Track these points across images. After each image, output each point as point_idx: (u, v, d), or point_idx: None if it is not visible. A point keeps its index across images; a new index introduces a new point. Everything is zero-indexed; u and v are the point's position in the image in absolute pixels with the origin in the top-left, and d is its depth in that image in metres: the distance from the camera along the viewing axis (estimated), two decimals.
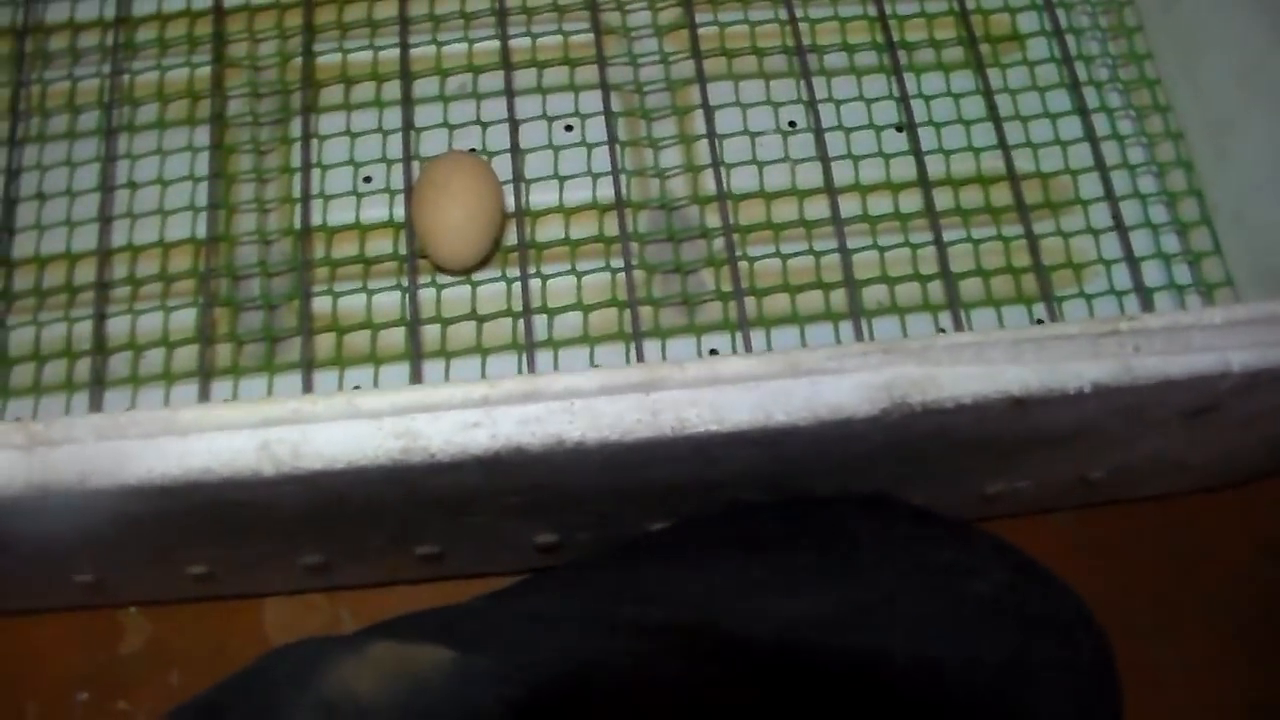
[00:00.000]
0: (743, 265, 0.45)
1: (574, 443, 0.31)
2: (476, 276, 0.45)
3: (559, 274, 0.45)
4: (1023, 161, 0.47)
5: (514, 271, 0.44)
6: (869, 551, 0.34)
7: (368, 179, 0.46)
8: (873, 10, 0.49)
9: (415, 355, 0.42)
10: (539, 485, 0.33)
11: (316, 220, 0.45)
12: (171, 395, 0.42)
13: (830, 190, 0.44)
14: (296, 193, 0.45)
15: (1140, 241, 0.46)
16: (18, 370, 0.42)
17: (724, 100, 0.48)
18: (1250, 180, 0.45)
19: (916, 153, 0.46)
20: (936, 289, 0.45)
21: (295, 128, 0.46)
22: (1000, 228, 0.46)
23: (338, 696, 0.29)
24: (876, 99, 0.48)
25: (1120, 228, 0.45)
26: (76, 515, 0.32)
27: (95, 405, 0.41)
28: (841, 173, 0.46)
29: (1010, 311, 0.45)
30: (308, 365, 0.42)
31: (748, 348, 0.42)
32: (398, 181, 0.45)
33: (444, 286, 0.44)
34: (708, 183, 0.46)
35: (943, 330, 0.44)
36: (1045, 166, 0.47)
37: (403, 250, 0.44)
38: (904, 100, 0.47)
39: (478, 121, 0.47)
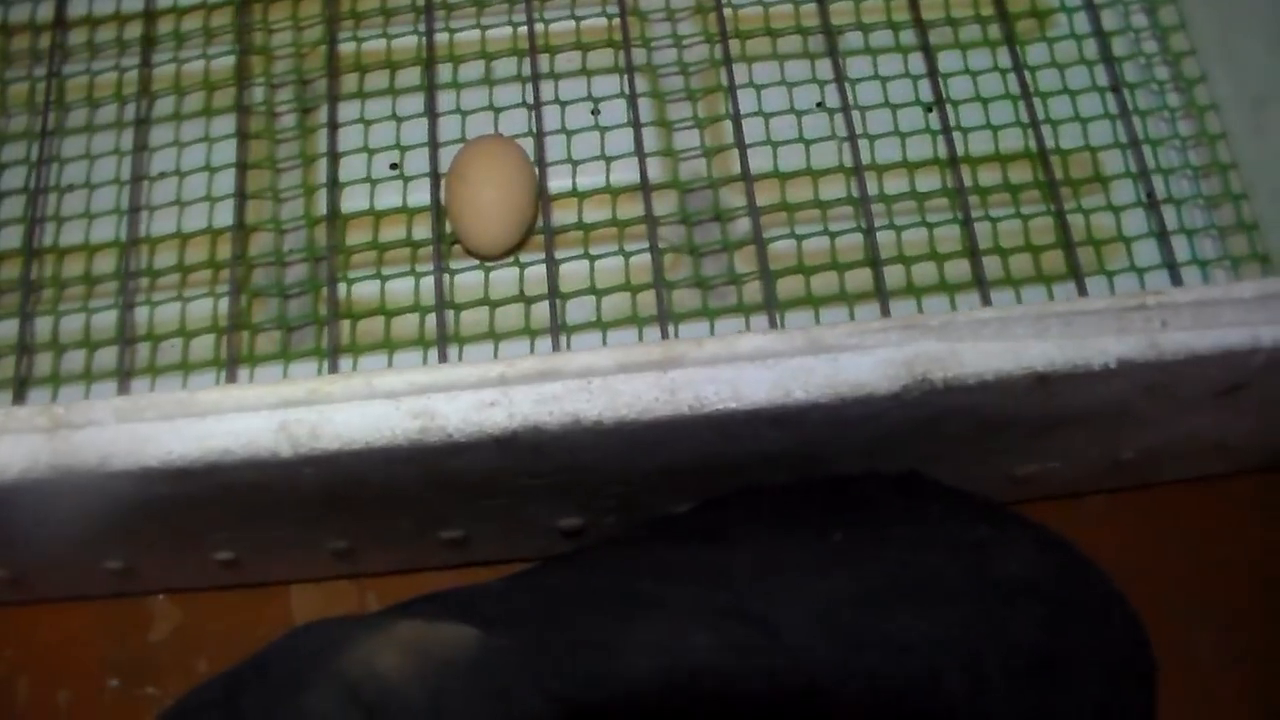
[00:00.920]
0: (778, 246, 0.44)
1: (592, 421, 0.31)
2: (509, 261, 0.44)
3: (585, 257, 0.44)
4: (1052, 139, 0.46)
5: (544, 256, 0.43)
6: (900, 529, 0.34)
7: (394, 165, 0.46)
8: None
9: (442, 341, 0.42)
10: (557, 466, 0.33)
11: (343, 208, 0.45)
12: (194, 384, 0.43)
13: (858, 171, 0.44)
14: (322, 180, 0.45)
15: (1168, 217, 0.45)
16: (39, 359, 0.43)
17: (751, 81, 0.47)
18: None
19: (945, 130, 0.45)
20: (955, 268, 0.44)
21: (320, 116, 0.47)
22: (1019, 206, 0.45)
23: (360, 676, 0.29)
24: (905, 77, 0.48)
25: (1154, 204, 0.44)
26: (100, 498, 0.32)
27: (123, 393, 0.41)
28: (871, 153, 0.46)
29: (1030, 292, 0.44)
30: (333, 352, 0.42)
31: (772, 327, 0.41)
32: (424, 167, 0.45)
33: (471, 271, 0.44)
34: (733, 164, 0.46)
35: None
36: (1075, 142, 0.47)
37: (430, 236, 0.44)
38: (933, 78, 0.46)
39: (489, 108, 0.47)
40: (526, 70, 0.47)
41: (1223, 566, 0.44)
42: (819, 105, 0.47)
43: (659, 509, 0.38)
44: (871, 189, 0.45)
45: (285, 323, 0.43)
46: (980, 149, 0.46)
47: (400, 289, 0.44)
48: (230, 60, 0.47)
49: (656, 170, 0.46)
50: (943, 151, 0.46)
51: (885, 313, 0.42)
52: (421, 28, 0.48)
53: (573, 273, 0.44)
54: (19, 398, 0.41)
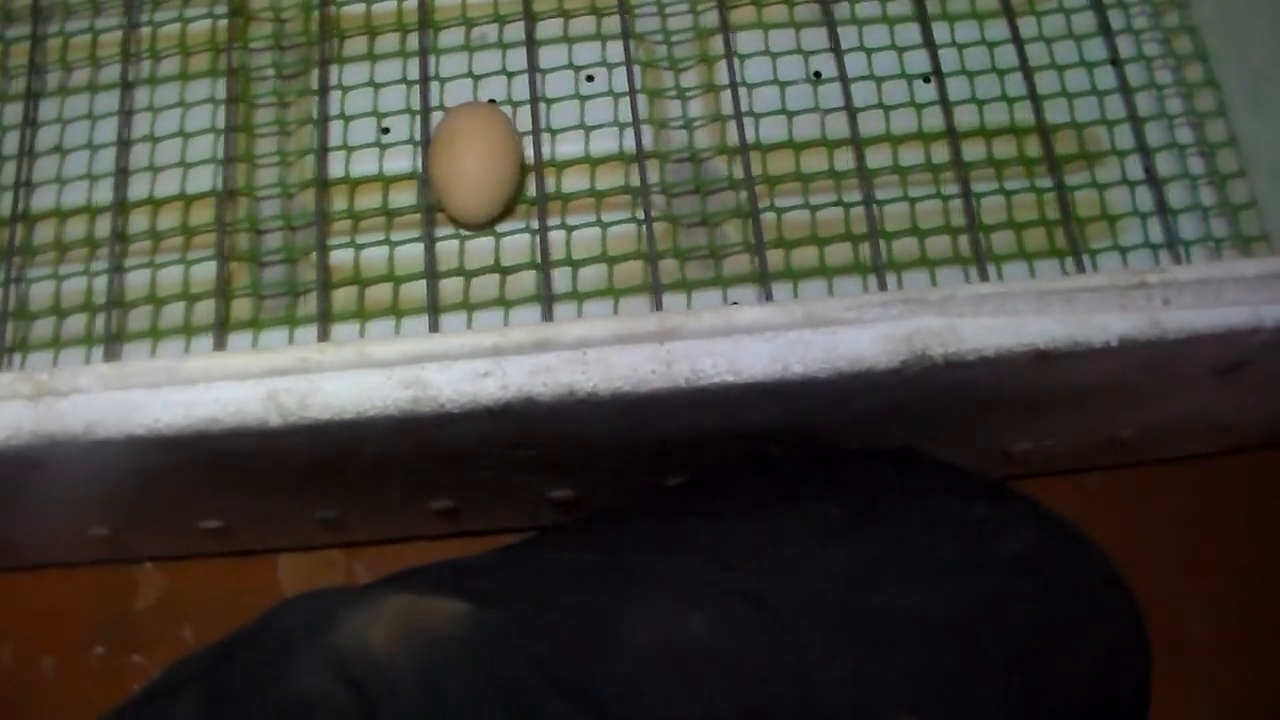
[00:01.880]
0: (769, 217, 0.44)
1: (586, 393, 0.31)
2: (495, 229, 0.44)
3: (578, 226, 0.44)
4: (1055, 113, 0.46)
5: (533, 224, 0.43)
6: (899, 506, 0.34)
7: (386, 130, 0.46)
8: None
9: (433, 308, 0.41)
10: (550, 438, 0.33)
11: (335, 173, 0.44)
12: (190, 349, 0.42)
13: (855, 142, 0.43)
14: (314, 145, 0.44)
15: (1175, 194, 0.45)
16: (37, 325, 0.42)
17: (748, 50, 0.47)
18: None
19: (944, 102, 0.45)
20: (953, 243, 0.44)
21: (313, 80, 0.46)
22: (1033, 179, 0.45)
23: (350, 649, 0.29)
24: (905, 48, 0.47)
25: (1153, 180, 0.44)
26: (86, 466, 0.32)
27: (113, 359, 0.40)
28: (868, 124, 0.45)
29: (1042, 265, 0.44)
30: (324, 318, 0.41)
31: (768, 300, 0.41)
32: (417, 133, 0.44)
33: (463, 239, 0.44)
34: (730, 134, 0.45)
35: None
36: (1077, 117, 0.46)
37: (420, 203, 0.43)
38: (931, 49, 0.46)
39: (501, 72, 0.46)
40: (521, 36, 0.46)
41: (1220, 544, 0.44)
42: (816, 76, 0.47)
43: (653, 480, 0.38)
44: (857, 160, 0.44)
45: (256, 290, 0.43)
46: (977, 122, 0.46)
47: (383, 256, 0.44)
48: (220, 23, 0.46)
49: (650, 139, 0.45)
50: (941, 124, 0.45)
51: (883, 287, 0.41)
52: None
53: (561, 242, 0.44)
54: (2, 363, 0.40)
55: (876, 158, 0.45)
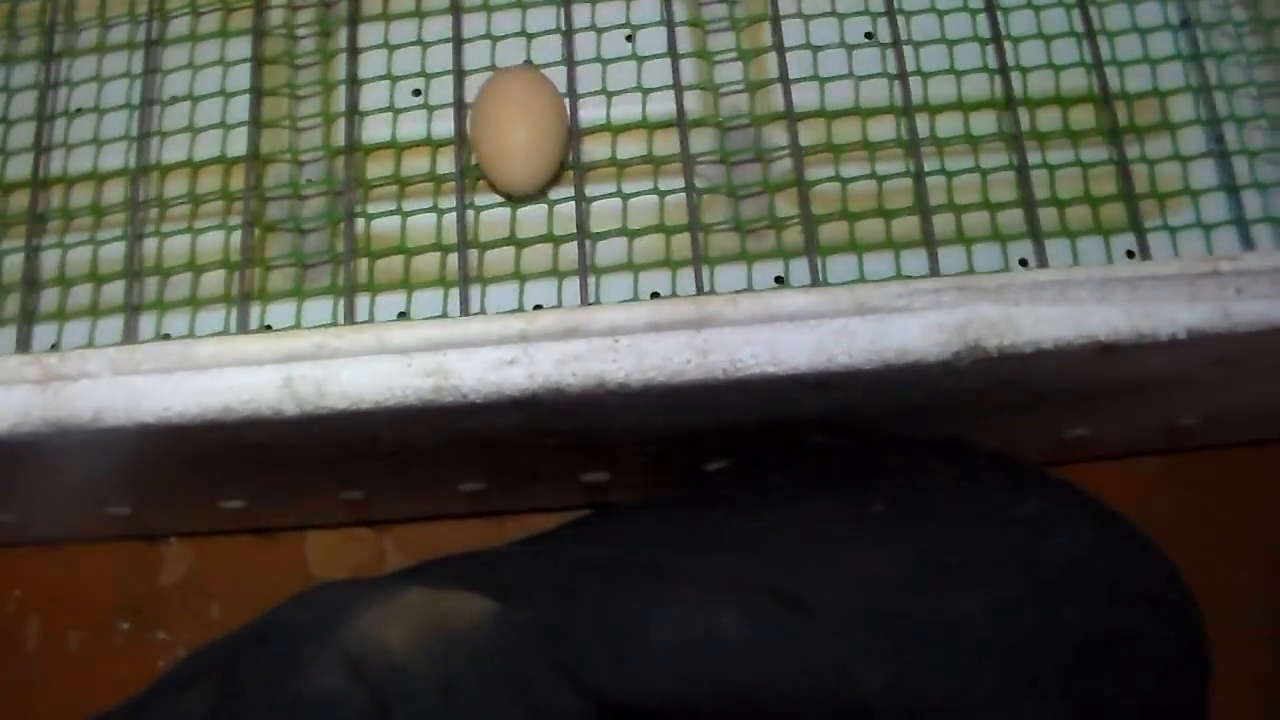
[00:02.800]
0: (823, 188, 0.42)
1: (617, 384, 0.29)
2: (538, 199, 0.42)
3: (617, 195, 0.42)
4: (1117, 80, 0.43)
5: (573, 193, 0.41)
6: (946, 502, 0.32)
7: (417, 92, 0.44)
8: None
9: (464, 282, 0.39)
10: (579, 427, 0.31)
11: (363, 138, 0.43)
12: (203, 321, 0.40)
13: (908, 111, 0.41)
14: (342, 108, 0.42)
15: (1238, 170, 0.42)
16: (45, 295, 0.41)
17: (799, 11, 0.44)
18: None
19: (1003, 70, 0.42)
20: (1007, 218, 0.42)
21: (339, 40, 0.44)
22: (1079, 151, 0.43)
23: (366, 648, 0.28)
24: (962, 10, 0.45)
25: (1224, 154, 0.42)
26: (96, 451, 0.30)
27: (128, 331, 0.39)
28: (924, 92, 0.43)
29: (1086, 243, 0.41)
30: (350, 290, 0.39)
31: (814, 277, 0.39)
32: (448, 96, 0.43)
33: (496, 208, 0.42)
34: (776, 100, 0.43)
35: (1024, 262, 0.41)
36: (1141, 85, 0.44)
37: (453, 170, 0.42)
38: (991, 12, 0.43)
39: (531, 34, 0.44)
40: None
41: None
42: (868, 37, 0.44)
43: (689, 466, 0.36)
44: (922, 130, 0.42)
45: (301, 259, 0.41)
46: (1039, 90, 0.44)
47: (421, 225, 0.42)
48: None
49: (694, 104, 0.43)
50: (999, 92, 0.43)
51: (934, 265, 0.39)
52: None
53: (603, 211, 0.42)
54: (24, 334, 0.39)
55: (925, 126, 0.43)
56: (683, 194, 0.40)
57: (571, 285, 0.41)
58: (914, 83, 0.42)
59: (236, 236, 0.41)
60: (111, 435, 0.29)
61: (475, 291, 0.40)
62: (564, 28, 0.43)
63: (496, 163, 0.40)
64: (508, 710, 0.27)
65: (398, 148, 0.43)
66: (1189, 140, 0.43)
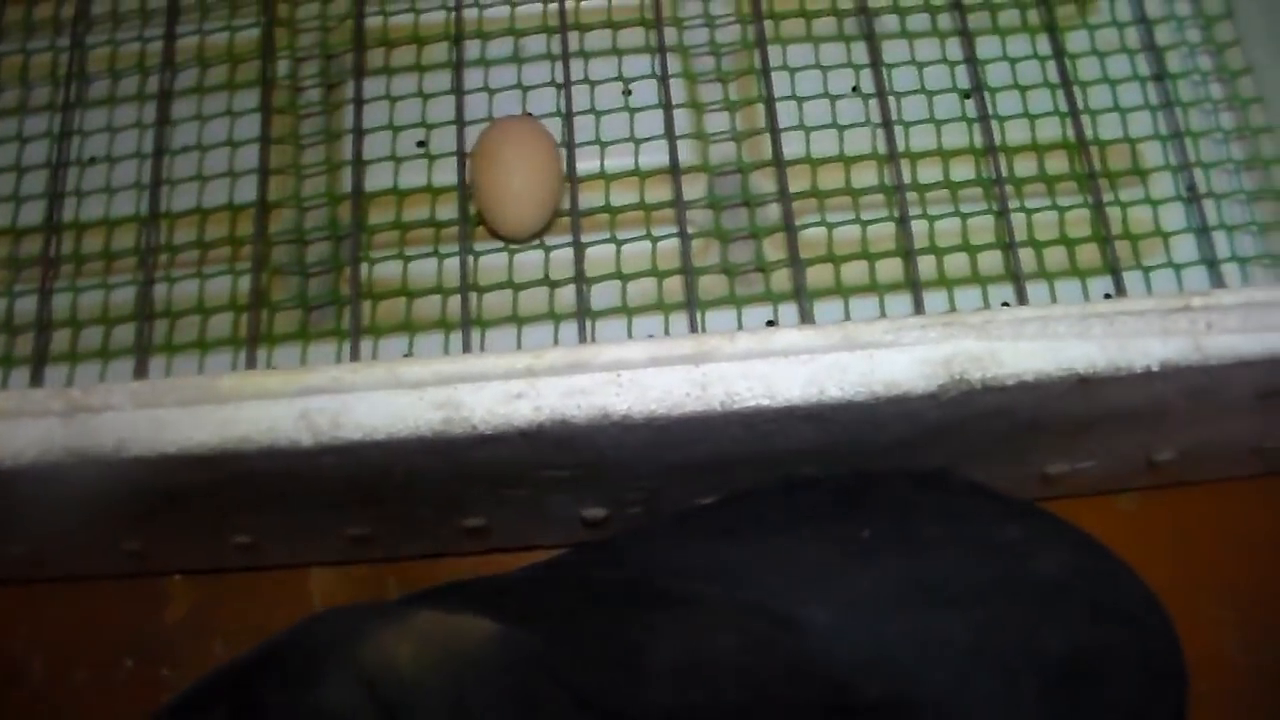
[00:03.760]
0: (810, 233, 0.43)
1: (620, 416, 0.30)
2: (534, 244, 0.44)
3: (612, 241, 0.43)
4: (1091, 129, 0.45)
5: (570, 239, 0.42)
6: (928, 528, 0.33)
7: (421, 143, 0.45)
8: None
9: (466, 325, 0.41)
10: (583, 460, 0.33)
11: (367, 186, 0.44)
12: (211, 362, 0.42)
13: (893, 157, 0.43)
14: (346, 157, 0.44)
15: (1208, 212, 0.44)
16: (56, 336, 0.42)
17: (785, 64, 0.46)
18: None
19: (983, 118, 0.44)
20: (988, 260, 0.43)
21: (345, 92, 0.46)
22: (1055, 197, 0.44)
23: (378, 668, 0.29)
24: (942, 63, 0.46)
25: (1194, 198, 0.43)
26: (116, 483, 0.31)
27: (139, 372, 0.40)
28: (906, 140, 0.45)
29: (1064, 286, 0.43)
30: (356, 333, 0.41)
31: (803, 319, 0.40)
32: (450, 146, 0.44)
33: (495, 254, 0.44)
34: (764, 148, 0.45)
35: (1006, 304, 0.42)
36: (1115, 133, 0.45)
37: (455, 216, 0.43)
38: (972, 64, 0.45)
39: (516, 86, 0.46)
40: (556, 48, 0.46)
41: (1259, 569, 0.43)
42: (854, 90, 0.46)
43: (685, 500, 0.37)
44: (906, 177, 0.44)
45: (306, 302, 0.42)
46: (1017, 138, 0.45)
47: (423, 270, 0.43)
48: (255, 33, 0.46)
49: (687, 153, 0.45)
50: (979, 140, 0.45)
51: (919, 305, 0.41)
52: (450, 3, 0.47)
53: (599, 257, 0.43)
54: (36, 374, 0.40)
55: (909, 173, 0.45)
56: (674, 239, 0.42)
57: (567, 328, 0.42)
58: (896, 131, 0.44)
59: (244, 281, 0.43)
60: (133, 466, 0.30)
61: (475, 334, 0.42)
62: (560, 80, 0.45)
63: (495, 209, 0.42)
64: None
65: (399, 195, 0.44)
66: (1159, 184, 0.45)
